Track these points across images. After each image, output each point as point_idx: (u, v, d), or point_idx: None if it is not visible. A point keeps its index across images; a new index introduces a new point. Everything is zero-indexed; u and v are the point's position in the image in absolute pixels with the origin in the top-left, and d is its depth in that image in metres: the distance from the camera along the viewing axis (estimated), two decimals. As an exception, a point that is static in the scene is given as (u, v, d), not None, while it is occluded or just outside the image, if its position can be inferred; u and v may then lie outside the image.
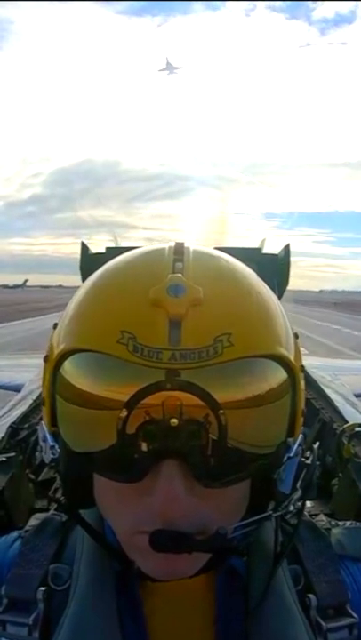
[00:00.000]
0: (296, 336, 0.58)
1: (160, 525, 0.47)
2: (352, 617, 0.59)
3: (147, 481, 0.47)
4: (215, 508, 0.49)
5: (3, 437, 1.91)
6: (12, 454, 1.77)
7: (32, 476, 1.91)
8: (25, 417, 2.18)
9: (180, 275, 0.49)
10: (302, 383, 0.55)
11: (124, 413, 0.46)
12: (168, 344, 0.46)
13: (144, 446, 0.47)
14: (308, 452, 0.62)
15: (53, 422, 0.55)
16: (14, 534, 0.67)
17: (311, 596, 0.59)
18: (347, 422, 2.01)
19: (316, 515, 0.76)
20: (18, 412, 2.34)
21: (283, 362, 0.51)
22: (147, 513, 0.48)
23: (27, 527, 0.67)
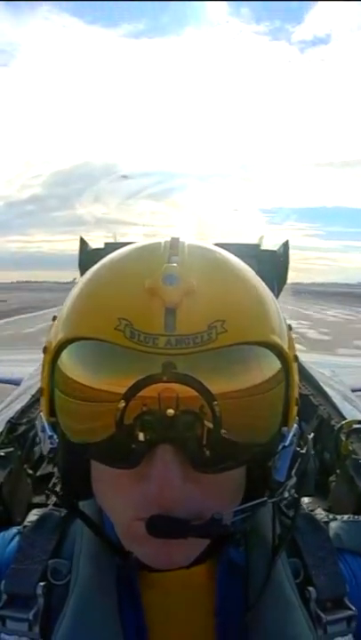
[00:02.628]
0: (290, 327, 0.59)
1: (156, 511, 0.48)
2: (350, 609, 0.60)
3: (143, 467, 0.48)
4: (210, 495, 0.50)
5: (1, 432, 1.91)
6: (11, 449, 1.78)
7: (30, 471, 1.91)
8: (23, 411, 2.18)
9: (175, 265, 0.50)
10: (296, 373, 0.56)
11: (121, 405, 0.46)
12: (164, 330, 0.47)
13: (141, 436, 0.48)
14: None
15: (52, 413, 0.56)
16: (14, 530, 0.68)
17: (311, 588, 0.60)
18: (345, 419, 2.01)
19: (313, 510, 0.77)
20: (17, 406, 2.34)
21: (276, 350, 0.52)
22: (143, 499, 0.49)
23: (25, 523, 0.67)
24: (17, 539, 0.66)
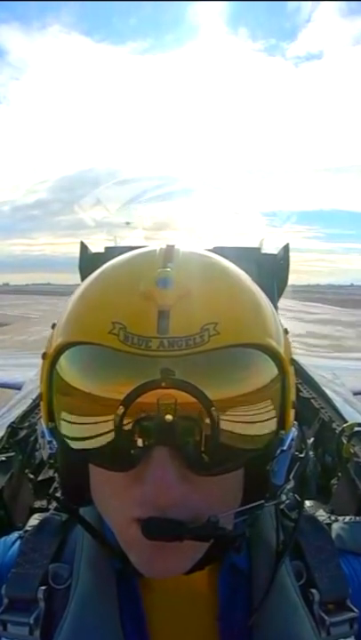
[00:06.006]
0: (286, 331, 0.59)
1: (152, 512, 0.47)
2: (353, 611, 0.59)
3: (140, 469, 0.48)
4: (207, 498, 0.50)
5: (2, 437, 1.91)
6: (12, 454, 1.78)
7: (31, 476, 1.91)
8: (24, 416, 2.18)
9: (168, 269, 0.51)
10: (293, 376, 0.55)
11: (120, 411, 0.46)
12: (157, 333, 0.47)
13: (140, 442, 0.47)
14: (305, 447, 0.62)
15: (51, 418, 0.55)
16: (15, 535, 0.67)
17: (314, 590, 0.59)
18: (346, 422, 2.01)
19: (315, 512, 0.76)
20: (18, 411, 2.34)
21: (271, 352, 0.52)
22: (140, 500, 0.48)
23: (27, 527, 0.67)
24: (18, 543, 0.66)
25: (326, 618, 0.58)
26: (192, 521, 0.48)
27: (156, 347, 0.46)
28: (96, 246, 1.79)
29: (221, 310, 0.50)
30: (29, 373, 3.39)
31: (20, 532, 0.67)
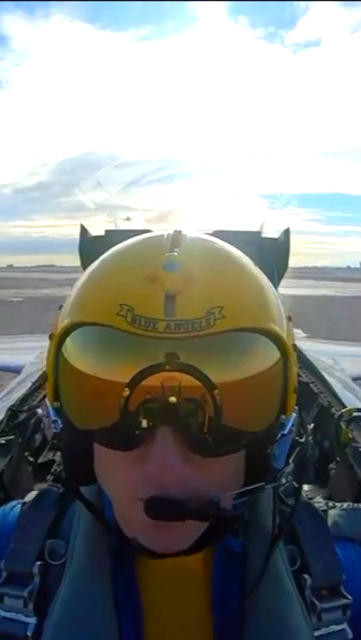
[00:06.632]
0: (289, 318, 0.59)
1: (154, 492, 0.48)
2: (346, 598, 0.60)
3: (144, 449, 0.48)
4: (209, 479, 0.50)
5: (2, 420, 1.92)
6: (12, 437, 1.78)
7: (31, 459, 1.92)
8: (24, 399, 2.19)
9: (176, 253, 0.51)
10: (295, 362, 0.56)
11: (126, 393, 0.47)
12: (163, 315, 0.48)
13: (144, 423, 0.48)
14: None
15: (56, 397, 0.56)
16: (13, 503, 0.69)
17: (306, 576, 0.60)
18: (345, 407, 2.01)
19: (312, 498, 0.77)
20: (17, 394, 2.34)
21: (274, 337, 0.52)
22: (142, 479, 0.49)
23: (25, 500, 0.68)
24: (17, 512, 0.67)
25: (317, 603, 0.59)
26: (194, 500, 0.49)
27: (162, 329, 0.47)
28: (96, 229, 1.78)
29: (227, 295, 0.51)
30: (29, 356, 3.39)
31: (20, 500, 0.69)
